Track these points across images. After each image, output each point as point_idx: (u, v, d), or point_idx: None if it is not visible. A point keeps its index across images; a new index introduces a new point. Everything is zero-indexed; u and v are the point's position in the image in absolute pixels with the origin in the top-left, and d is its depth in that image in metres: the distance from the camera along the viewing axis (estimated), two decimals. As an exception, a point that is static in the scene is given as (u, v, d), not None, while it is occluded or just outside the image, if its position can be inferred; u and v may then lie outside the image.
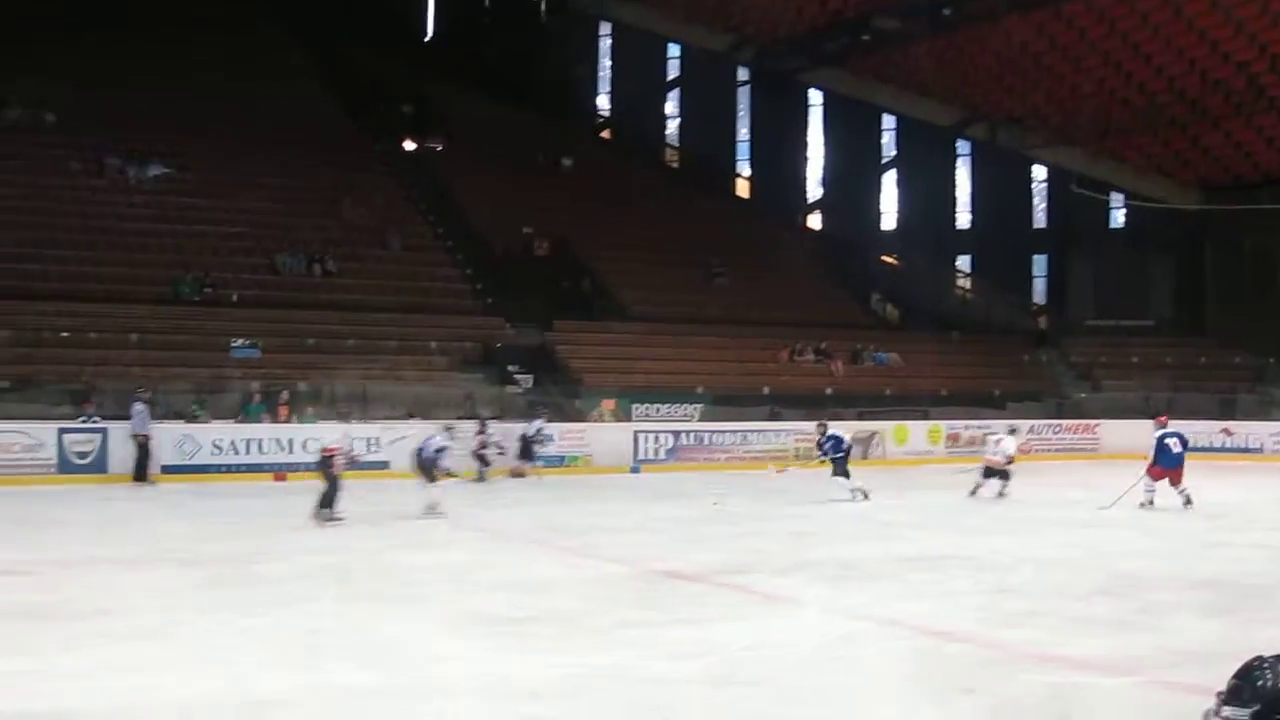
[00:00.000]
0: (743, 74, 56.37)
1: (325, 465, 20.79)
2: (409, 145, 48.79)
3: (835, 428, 26.22)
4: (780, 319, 42.74)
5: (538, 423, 31.08)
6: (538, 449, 30.61)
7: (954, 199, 55.09)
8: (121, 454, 27.89)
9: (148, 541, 18.30)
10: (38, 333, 32.69)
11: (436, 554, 17.51)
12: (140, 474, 27.49)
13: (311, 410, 31.90)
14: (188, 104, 42.56)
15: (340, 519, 20.05)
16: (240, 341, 34.05)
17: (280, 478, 28.20)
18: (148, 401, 28.08)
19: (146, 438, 27.69)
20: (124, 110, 41.16)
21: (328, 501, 20.32)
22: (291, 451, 29.28)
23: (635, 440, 33.74)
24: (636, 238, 44.91)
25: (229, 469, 28.39)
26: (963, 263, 55.11)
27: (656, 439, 34.09)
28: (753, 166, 57.39)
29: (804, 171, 57.12)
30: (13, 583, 14.62)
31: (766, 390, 38.68)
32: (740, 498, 25.53)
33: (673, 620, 12.81)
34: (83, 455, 27.87)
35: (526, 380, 36.51)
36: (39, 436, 27.69)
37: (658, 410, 36.38)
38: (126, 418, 28.13)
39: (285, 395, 31.32)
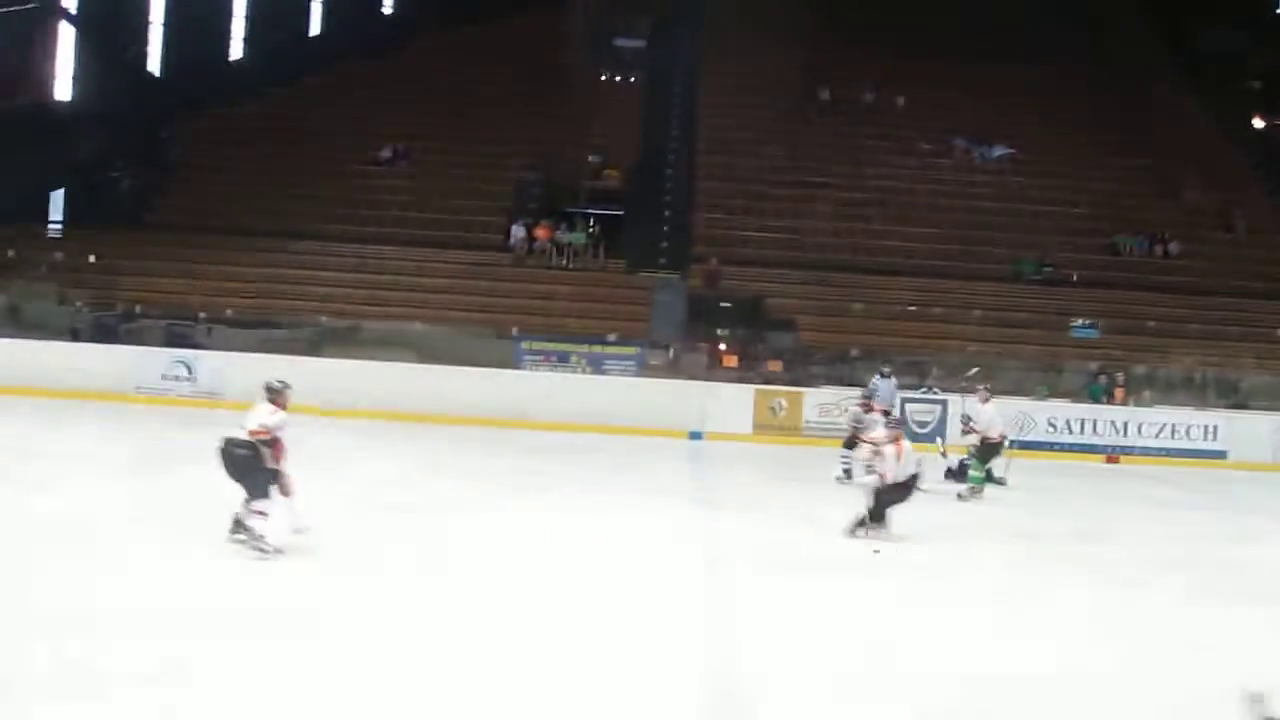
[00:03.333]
0: None
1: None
2: (1257, 123, 46.66)
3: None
4: None
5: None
6: None
7: None
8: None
9: (985, 514, 18.73)
10: (885, 305, 34.29)
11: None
12: None
13: (1148, 394, 31.48)
14: (1029, 86, 43.05)
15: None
16: (1080, 322, 34.14)
17: (1113, 460, 28.14)
18: (888, 375, 26.76)
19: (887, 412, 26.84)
20: (968, 93, 42.23)
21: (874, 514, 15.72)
22: (1125, 434, 29.08)
23: None
24: None
25: (1064, 448, 28.54)
26: None
27: None
28: None
29: None
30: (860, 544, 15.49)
31: None
32: None
33: None
34: (922, 425, 28.97)
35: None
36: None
37: None
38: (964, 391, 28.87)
39: (1122, 377, 31.10)
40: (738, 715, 8.53)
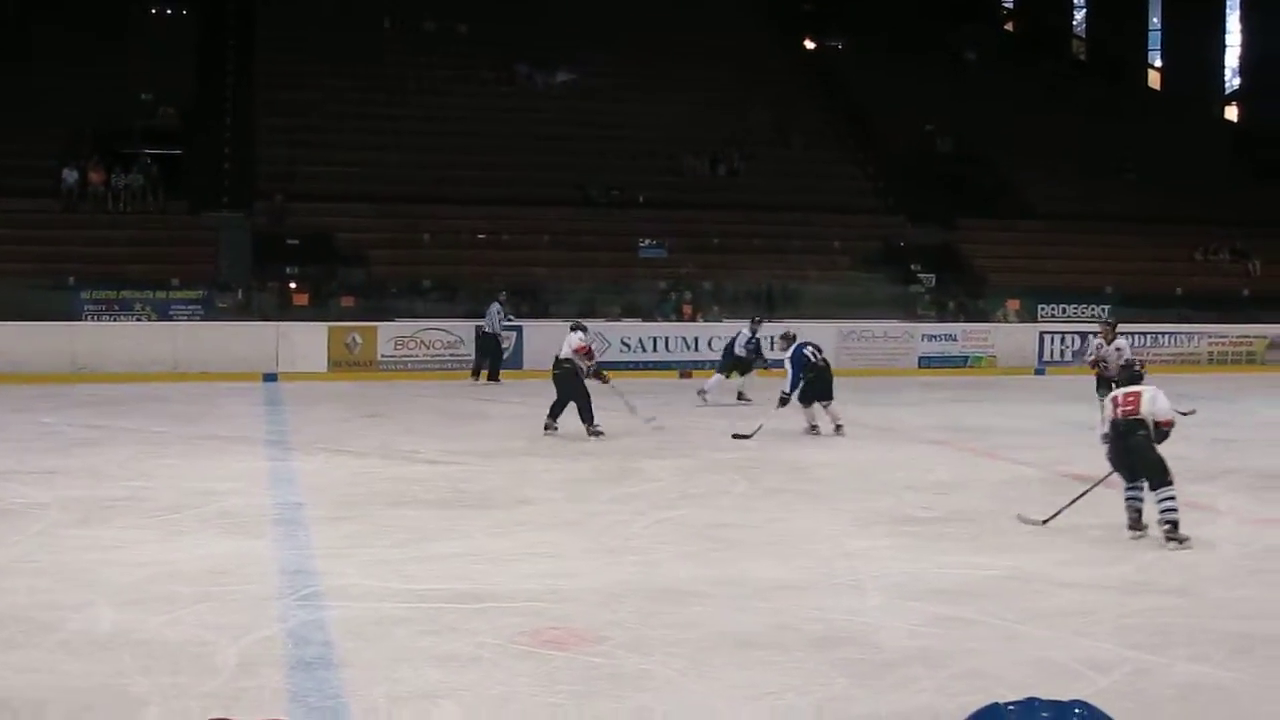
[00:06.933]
0: (1155, -43, 53.80)
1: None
2: (809, 44, 48.67)
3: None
4: (1193, 216, 40.53)
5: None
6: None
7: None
8: (535, 349, 28.90)
9: (560, 434, 18.92)
10: (456, 235, 34.22)
11: (841, 453, 17.64)
12: (494, 373, 27.62)
13: (716, 309, 32.52)
14: (591, 11, 43.44)
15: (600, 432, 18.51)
16: (647, 242, 34.90)
17: (686, 375, 28.91)
18: (503, 303, 28.33)
19: (498, 337, 27.86)
20: (529, 20, 42.37)
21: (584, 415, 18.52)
22: (696, 349, 29.96)
23: (1040, 341, 33.07)
24: (1042, 133, 43.44)
25: (638, 366, 29.14)
26: None
27: (1063, 340, 33.30)
28: (1164, 56, 54.78)
29: (1221, 60, 54.17)
30: (444, 472, 15.49)
31: (1179, 291, 37.07)
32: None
33: (1086, 524, 12.60)
34: (501, 350, 29.07)
35: (929, 279, 36.23)
36: (459, 334, 29.08)
37: (1064, 310, 35.55)
38: (535, 316, 29.22)
39: (690, 295, 32.01)
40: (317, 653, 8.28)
